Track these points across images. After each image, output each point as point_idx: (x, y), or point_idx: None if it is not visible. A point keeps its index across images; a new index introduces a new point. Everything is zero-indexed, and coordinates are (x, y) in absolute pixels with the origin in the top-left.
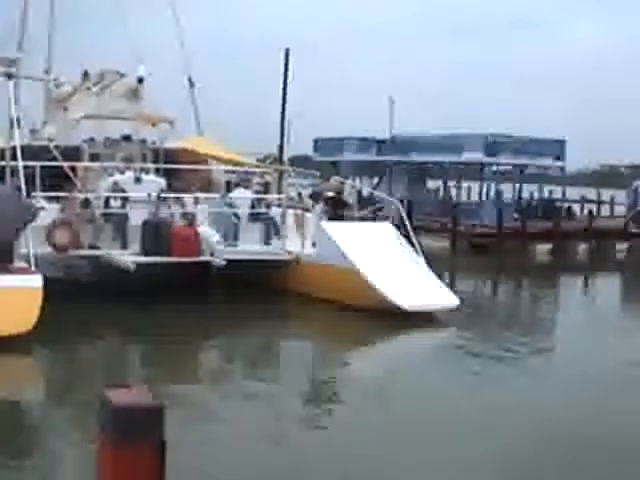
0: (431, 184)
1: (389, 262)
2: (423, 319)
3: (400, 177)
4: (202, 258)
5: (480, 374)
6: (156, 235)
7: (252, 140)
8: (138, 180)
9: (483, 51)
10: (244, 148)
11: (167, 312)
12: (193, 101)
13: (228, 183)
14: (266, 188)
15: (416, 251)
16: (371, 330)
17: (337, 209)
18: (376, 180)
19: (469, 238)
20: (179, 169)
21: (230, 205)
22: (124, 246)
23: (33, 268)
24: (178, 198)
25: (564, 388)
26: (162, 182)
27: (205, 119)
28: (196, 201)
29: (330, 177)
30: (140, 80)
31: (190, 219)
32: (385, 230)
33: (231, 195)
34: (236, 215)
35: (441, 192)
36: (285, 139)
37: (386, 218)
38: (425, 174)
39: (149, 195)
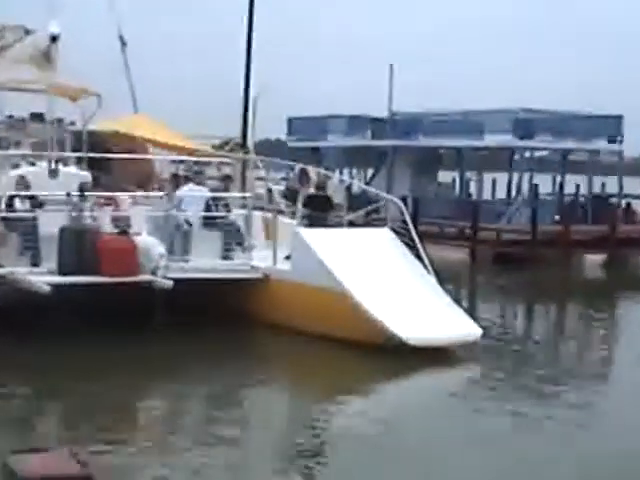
0: (444, 177)
1: (388, 281)
2: (434, 357)
3: (403, 168)
4: (141, 278)
5: (509, 436)
6: (78, 247)
7: (207, 120)
8: (53, 173)
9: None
10: (196, 130)
11: (94, 351)
12: (126, 68)
13: (175, 177)
14: (226, 184)
15: (424, 265)
16: (364, 373)
17: (319, 211)
18: (371, 172)
19: (494, 247)
20: (109, 159)
21: (178, 207)
22: (35, 262)
23: None
24: (108, 197)
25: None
26: (86, 176)
27: (144, 92)
28: (133, 201)
29: (310, 169)
30: (54, 39)
31: (124, 226)
32: (383, 238)
33: (179, 193)
34: (186, 220)
35: (457, 187)
36: (250, 118)
37: (384, 222)
38: (436, 164)
39: (68, 194)
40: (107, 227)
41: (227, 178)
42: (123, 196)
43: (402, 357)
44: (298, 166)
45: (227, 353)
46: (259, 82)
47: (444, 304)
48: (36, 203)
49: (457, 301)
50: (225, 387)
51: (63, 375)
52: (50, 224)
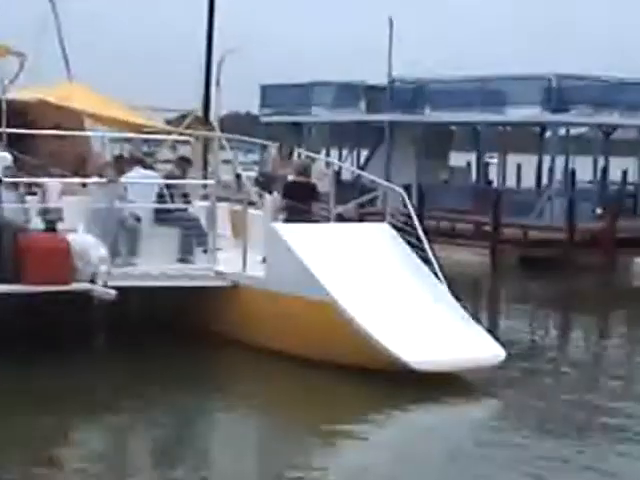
0: (456, 160)
1: (388, 290)
2: (445, 386)
3: (405, 149)
4: (75, 287)
5: None
6: None
7: (159, 90)
8: None
9: None
10: (145, 101)
11: (15, 378)
12: (57, 22)
13: (119, 160)
14: (183, 168)
15: (433, 271)
16: (356, 407)
17: (301, 202)
18: (365, 154)
19: (520, 249)
20: (34, 136)
21: (123, 197)
22: None
23: None
24: (33, 185)
25: None
26: (4, 157)
27: (81, 54)
28: (65, 190)
29: (289, 149)
30: None
31: (54, 220)
32: (381, 236)
33: (124, 180)
34: (133, 214)
35: (473, 173)
36: (213, 87)
37: (382, 216)
38: (446, 143)
39: None
40: (32, 222)
41: (185, 161)
42: (52, 183)
43: (405, 386)
44: (273, 145)
45: (184, 379)
46: (225, 40)
47: (458, 319)
48: None
49: (474, 316)
50: (179, 425)
51: None
52: None
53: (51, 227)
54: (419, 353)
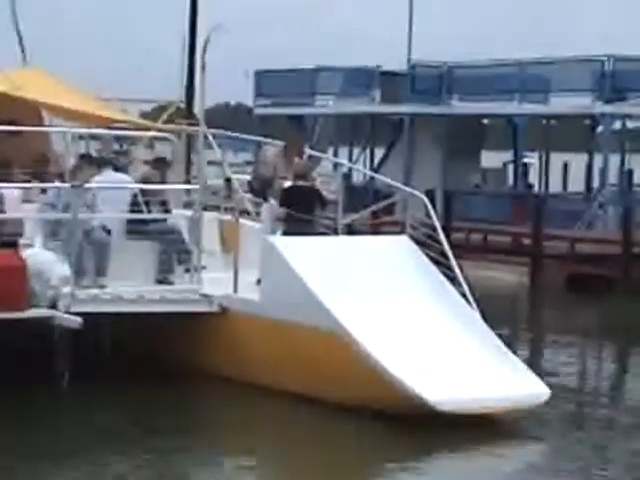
0: (489, 160)
1: (408, 317)
2: (476, 430)
3: (428, 146)
4: (32, 313)
5: None
6: None
7: (133, 77)
8: None
9: None
10: (117, 91)
11: None
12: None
13: (85, 160)
14: (162, 170)
15: (461, 292)
16: (370, 456)
17: (303, 211)
18: (381, 153)
19: (566, 265)
20: None
21: (90, 205)
22: None
23: None
24: None
25: None
26: None
27: (38, 33)
28: (23, 195)
29: (289, 147)
30: None
31: (12, 234)
32: (399, 252)
33: (91, 185)
34: (102, 225)
35: (510, 176)
36: (198, 73)
37: (401, 228)
38: (477, 140)
39: None
40: None
41: (163, 162)
42: (8, 188)
43: (429, 430)
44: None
45: (160, 426)
46: (212, 18)
47: (491, 351)
48: None
49: (511, 347)
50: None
51: None
52: None
53: (10, 242)
54: (443, 391)
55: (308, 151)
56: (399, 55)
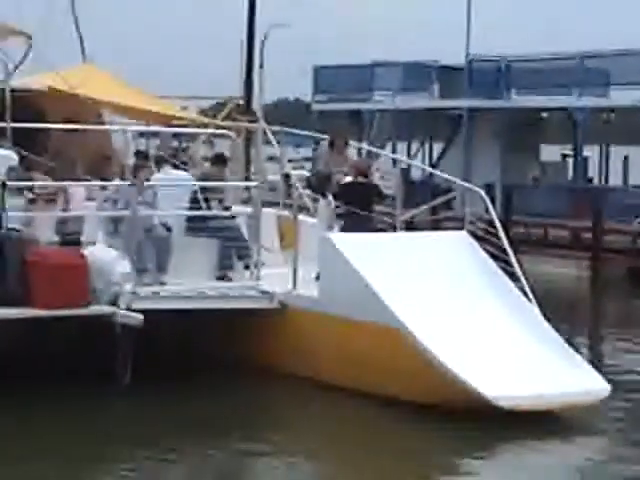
0: (549, 153)
1: (467, 312)
2: (537, 426)
3: (487, 141)
4: (93, 310)
5: None
6: None
7: (193, 75)
8: None
9: None
10: (176, 88)
11: (14, 420)
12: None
13: (144, 158)
14: (221, 168)
15: (521, 287)
16: (432, 451)
17: (361, 207)
18: (439, 148)
19: (628, 259)
20: (44, 131)
21: (150, 203)
22: None
23: None
24: (49, 191)
25: None
26: (9, 156)
27: (99, 34)
28: (87, 193)
29: (347, 143)
30: None
31: (70, 231)
32: (458, 247)
33: (152, 183)
34: (162, 223)
35: (570, 170)
36: (257, 69)
37: (460, 223)
38: (536, 134)
39: None
40: (45, 234)
41: (222, 159)
42: (74, 187)
43: (489, 426)
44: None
45: (221, 425)
46: (271, 14)
47: (551, 347)
48: None
49: (571, 342)
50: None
51: None
52: None
53: (72, 241)
54: (504, 388)
55: (363, 146)
56: (457, 49)
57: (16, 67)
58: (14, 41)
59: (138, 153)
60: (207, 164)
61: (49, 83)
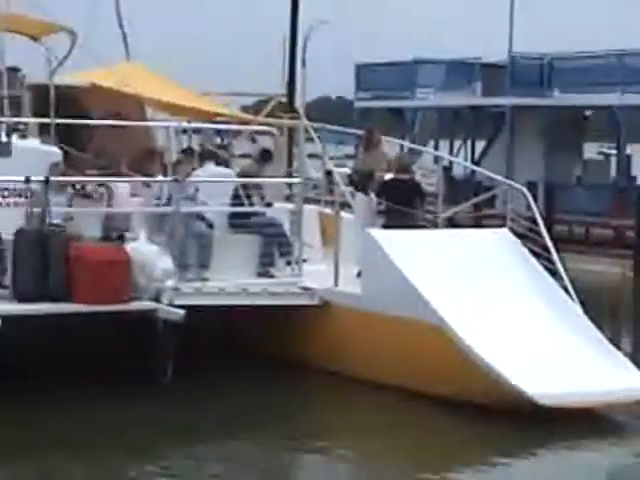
0: (593, 151)
1: (508, 310)
2: (579, 424)
3: (530, 139)
4: (136, 306)
5: None
6: (42, 260)
7: (235, 72)
8: (4, 148)
9: None
10: (218, 85)
11: (65, 417)
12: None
13: (188, 154)
14: (263, 164)
15: (563, 286)
16: (470, 452)
17: (403, 204)
18: (482, 146)
19: None
20: (86, 127)
21: (192, 199)
22: None
23: None
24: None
25: None
26: (54, 152)
27: (142, 31)
28: (131, 189)
29: (387, 140)
30: None
31: (115, 228)
32: (500, 245)
33: (194, 179)
34: (204, 219)
35: (613, 167)
36: (299, 66)
37: (502, 221)
38: (579, 132)
39: (27, 179)
40: (88, 230)
41: (263, 155)
42: (118, 183)
43: (530, 424)
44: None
45: (264, 421)
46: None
47: (593, 345)
48: None
49: (613, 341)
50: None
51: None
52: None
53: (111, 236)
54: (546, 386)
55: (405, 143)
56: (500, 47)
57: (60, 63)
58: (58, 38)
59: (186, 150)
60: (249, 161)
61: (93, 80)
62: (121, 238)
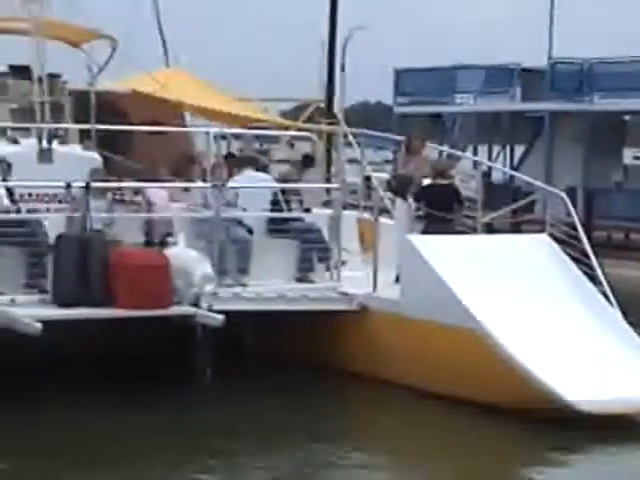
0: (632, 156)
1: (547, 315)
2: (617, 430)
3: (570, 144)
4: (175, 311)
5: None
6: (82, 265)
7: (275, 78)
8: (45, 154)
9: None
10: (259, 92)
11: (105, 422)
12: (154, 1)
13: (228, 160)
14: (302, 169)
15: (602, 292)
16: (507, 458)
17: (441, 209)
18: (521, 151)
19: None
20: (128, 133)
21: (232, 204)
22: (27, 286)
23: None
24: (129, 191)
25: None
26: (94, 158)
27: (182, 36)
28: (170, 195)
29: (421, 142)
30: None
31: (156, 233)
32: (539, 250)
33: (234, 184)
34: (244, 224)
35: None
36: (338, 72)
37: (541, 226)
38: (619, 137)
39: (68, 185)
40: (130, 235)
41: (304, 161)
42: (152, 188)
43: (572, 431)
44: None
45: (304, 426)
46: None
47: (633, 352)
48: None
49: None
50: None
51: (66, 461)
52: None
53: (153, 242)
54: (586, 392)
55: (445, 149)
56: (539, 52)
57: (100, 70)
58: (99, 44)
59: (228, 156)
60: (287, 166)
61: (133, 86)
62: (163, 243)
